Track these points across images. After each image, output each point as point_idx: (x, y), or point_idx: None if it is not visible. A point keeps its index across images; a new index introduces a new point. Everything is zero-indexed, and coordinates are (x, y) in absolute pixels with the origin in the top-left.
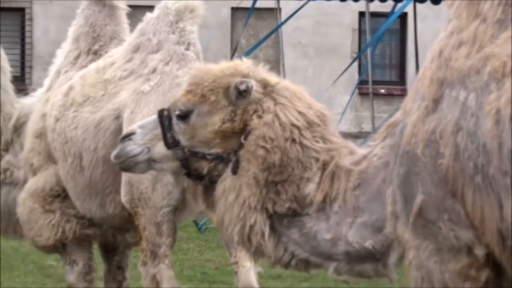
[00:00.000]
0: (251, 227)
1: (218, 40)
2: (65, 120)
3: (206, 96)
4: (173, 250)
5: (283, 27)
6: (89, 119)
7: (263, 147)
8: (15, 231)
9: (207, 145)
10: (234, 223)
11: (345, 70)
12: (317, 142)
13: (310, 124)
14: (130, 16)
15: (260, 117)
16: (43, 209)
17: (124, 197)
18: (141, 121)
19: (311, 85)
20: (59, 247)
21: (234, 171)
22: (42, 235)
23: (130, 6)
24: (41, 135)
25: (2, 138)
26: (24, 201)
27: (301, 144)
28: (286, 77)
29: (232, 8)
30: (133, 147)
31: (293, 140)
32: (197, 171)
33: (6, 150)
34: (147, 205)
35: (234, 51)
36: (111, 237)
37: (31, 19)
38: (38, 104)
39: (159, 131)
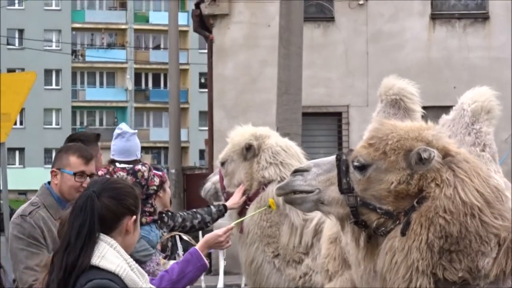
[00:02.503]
0: None
1: None
2: None
3: (387, 154)
4: None
5: None
6: None
7: (443, 217)
8: None
9: (379, 200)
10: (398, 283)
11: None
12: (496, 219)
13: (488, 203)
14: (424, 117)
15: (438, 186)
16: None
17: None
18: (318, 160)
19: None
20: None
21: (404, 233)
22: None
23: (425, 107)
24: (335, 240)
25: (303, 241)
26: None
27: (480, 220)
28: None
29: None
30: (301, 183)
31: (473, 216)
32: (364, 220)
33: (306, 253)
34: None
35: None
36: None
37: (347, 123)
38: None
39: (333, 174)
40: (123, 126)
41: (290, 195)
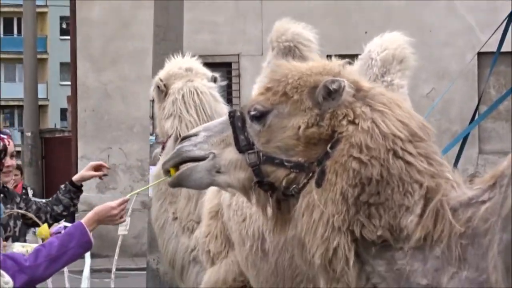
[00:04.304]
0: (335, 250)
1: (462, 91)
2: None
3: (288, 95)
4: None
5: None
6: None
7: (358, 158)
8: None
9: (286, 151)
10: (317, 245)
11: None
12: (421, 161)
13: (413, 137)
14: None
15: (352, 122)
16: None
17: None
18: (207, 123)
19: None
20: None
21: (319, 184)
22: None
23: (330, 56)
24: (216, 214)
25: (197, 209)
26: None
27: (403, 159)
28: None
29: (478, 54)
30: (190, 148)
31: (395, 153)
32: (271, 180)
33: (198, 223)
34: None
35: (478, 103)
36: None
37: (238, 76)
38: None
39: (227, 133)
40: None
41: (178, 174)
